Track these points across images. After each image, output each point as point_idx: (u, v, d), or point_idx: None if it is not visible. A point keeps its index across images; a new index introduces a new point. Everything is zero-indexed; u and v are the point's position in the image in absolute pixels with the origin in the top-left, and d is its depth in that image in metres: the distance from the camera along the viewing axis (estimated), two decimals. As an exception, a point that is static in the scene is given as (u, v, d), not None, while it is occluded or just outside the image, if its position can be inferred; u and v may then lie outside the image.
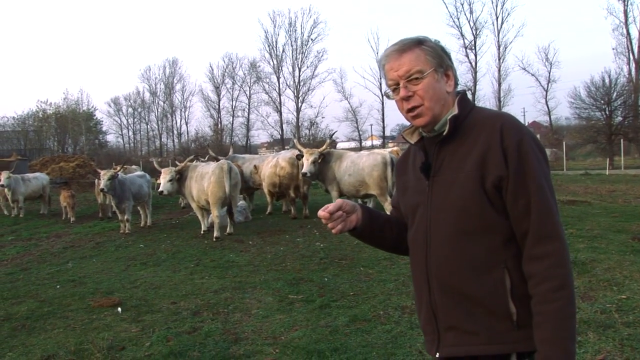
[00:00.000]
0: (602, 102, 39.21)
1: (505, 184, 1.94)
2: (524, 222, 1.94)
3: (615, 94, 39.20)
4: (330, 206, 2.17)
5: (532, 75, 58.25)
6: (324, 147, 13.84)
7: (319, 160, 13.38)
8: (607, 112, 38.92)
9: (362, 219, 2.26)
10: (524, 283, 1.95)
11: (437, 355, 2.10)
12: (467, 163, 1.99)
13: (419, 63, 2.03)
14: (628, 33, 50.31)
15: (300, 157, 13.60)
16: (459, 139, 2.04)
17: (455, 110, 2.06)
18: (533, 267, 1.92)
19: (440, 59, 2.07)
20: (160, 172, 13.36)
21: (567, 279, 1.90)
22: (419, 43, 2.07)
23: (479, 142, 1.98)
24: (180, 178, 13.06)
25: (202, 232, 12.96)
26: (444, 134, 2.05)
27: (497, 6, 55.94)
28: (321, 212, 2.15)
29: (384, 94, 2.18)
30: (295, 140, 15.60)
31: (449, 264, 2.03)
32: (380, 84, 58.77)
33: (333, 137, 18.56)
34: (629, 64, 50.27)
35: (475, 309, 1.99)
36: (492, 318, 1.97)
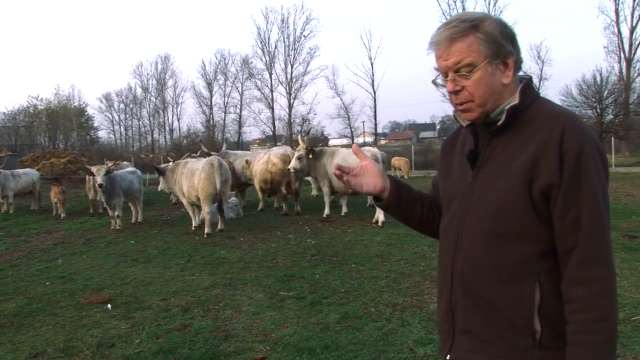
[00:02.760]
0: (594, 100, 39.27)
1: (555, 192, 1.75)
2: (570, 238, 1.74)
3: (606, 92, 39.25)
4: (359, 167, 2.11)
5: (524, 73, 58.03)
6: (305, 144, 13.98)
7: (307, 157, 13.60)
8: (599, 110, 38.98)
9: (390, 189, 2.12)
10: (555, 301, 1.78)
11: (448, 357, 1.98)
12: (518, 160, 1.80)
13: (471, 54, 1.80)
14: (619, 32, 50.43)
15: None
16: (514, 131, 1.85)
17: (515, 100, 1.85)
18: (575, 292, 1.73)
19: (497, 47, 1.82)
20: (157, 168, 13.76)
21: (613, 311, 1.72)
22: (474, 28, 1.81)
23: (535, 140, 1.78)
24: (164, 174, 13.51)
25: (193, 229, 12.95)
26: (499, 124, 1.86)
27: (489, 3, 55.68)
28: (336, 171, 2.10)
29: (432, 82, 1.96)
30: (299, 136, 15.57)
31: (477, 265, 1.87)
32: (373, 82, 58.86)
33: (325, 134, 18.62)
34: (620, 62, 50.40)
35: (496, 317, 1.84)
36: (512, 331, 1.81)
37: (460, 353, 1.94)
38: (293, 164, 13.81)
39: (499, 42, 1.82)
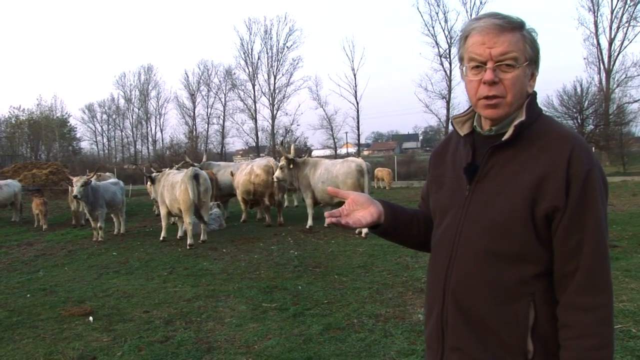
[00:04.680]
0: (574, 110, 39.64)
1: (559, 215, 1.72)
2: (571, 262, 1.73)
3: (586, 102, 39.64)
4: (347, 204, 2.02)
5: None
6: (290, 154, 14.11)
7: (289, 167, 13.84)
8: (579, 121, 39.35)
9: (385, 215, 2.05)
10: (549, 322, 1.76)
11: None
12: (521, 178, 1.76)
13: (518, 49, 1.77)
14: (598, 43, 50.95)
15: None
16: (518, 148, 1.81)
17: (522, 116, 1.81)
18: (575, 318, 1.71)
19: (535, 53, 1.82)
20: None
21: (611, 339, 1.71)
22: (521, 27, 1.80)
23: (541, 160, 1.75)
24: (153, 182, 13.79)
25: (161, 239, 13.18)
26: (504, 138, 1.81)
27: (471, 15, 56.18)
28: (328, 216, 2.00)
29: (460, 68, 1.88)
30: (281, 148, 15.68)
31: (472, 283, 1.83)
32: (356, 93, 58.98)
33: (308, 144, 18.78)
34: (599, 73, 50.89)
35: (489, 336, 1.80)
36: (504, 350, 1.78)
37: None
38: (277, 173, 13.98)
39: (538, 50, 1.84)
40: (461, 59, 1.87)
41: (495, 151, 1.84)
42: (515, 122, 1.80)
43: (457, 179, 1.95)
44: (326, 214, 2.02)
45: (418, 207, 2.30)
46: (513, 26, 1.78)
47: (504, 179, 1.80)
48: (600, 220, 1.72)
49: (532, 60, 1.81)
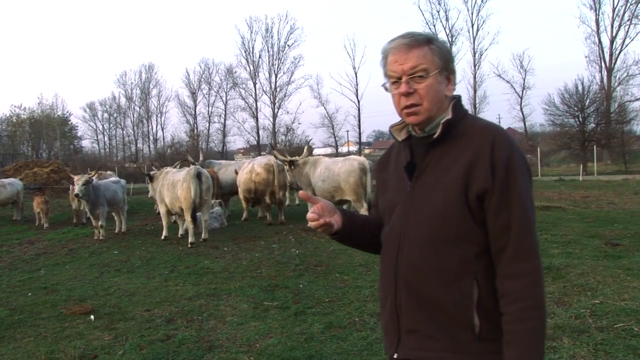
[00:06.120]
0: (576, 109, 39.67)
1: (488, 196, 1.93)
2: (502, 238, 1.93)
3: (588, 101, 39.69)
4: (315, 208, 2.22)
5: (507, 82, 58.46)
6: (302, 155, 14.28)
7: (291, 168, 14.08)
8: (581, 119, 39.38)
9: (342, 221, 2.26)
10: (491, 297, 1.95)
11: (396, 356, 2.10)
12: (453, 169, 1.98)
13: (426, 61, 2.00)
14: (600, 41, 51.04)
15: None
16: (448, 143, 2.03)
17: (449, 115, 2.04)
18: (508, 285, 1.91)
19: (446, 61, 2.05)
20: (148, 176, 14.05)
21: (542, 300, 1.92)
22: (428, 42, 2.03)
23: (468, 151, 1.97)
24: (152, 180, 13.84)
25: (163, 237, 13.17)
26: (435, 136, 2.03)
27: (472, 14, 56.28)
28: (310, 215, 2.20)
29: (382, 85, 2.13)
30: (275, 151, 15.75)
31: (419, 267, 2.01)
32: (357, 91, 59.01)
33: (309, 143, 18.80)
34: (601, 71, 50.99)
35: (439, 315, 1.98)
36: (454, 327, 1.96)
37: (407, 351, 2.06)
38: (288, 177, 14.45)
39: (447, 58, 2.06)
40: (385, 76, 2.11)
41: (429, 149, 2.06)
42: (442, 120, 2.03)
43: (399, 179, 2.15)
44: (309, 216, 2.21)
45: (370, 214, 2.56)
46: (420, 42, 2.02)
47: (440, 171, 2.01)
48: (523, 198, 1.93)
49: (443, 67, 2.04)
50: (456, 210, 1.95)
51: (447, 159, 2.01)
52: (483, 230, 1.96)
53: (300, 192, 2.35)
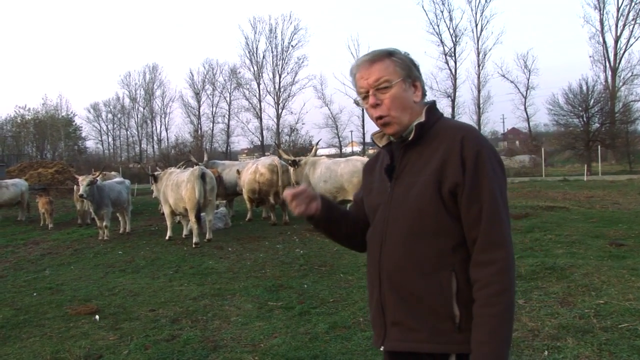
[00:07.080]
0: (580, 109, 39.62)
1: (460, 190, 2.03)
2: (474, 229, 2.03)
3: (592, 101, 39.63)
4: (296, 189, 2.35)
5: (511, 82, 58.37)
6: (310, 154, 14.28)
7: (293, 167, 14.16)
8: (585, 119, 39.34)
9: (322, 208, 2.39)
10: (469, 288, 2.03)
11: (382, 348, 2.22)
12: (427, 168, 2.10)
13: (388, 73, 2.14)
14: (604, 41, 50.97)
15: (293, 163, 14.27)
16: (423, 145, 2.15)
17: (422, 118, 2.17)
18: (478, 273, 2.01)
19: (408, 70, 2.18)
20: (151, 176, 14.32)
21: (509, 286, 1.99)
22: (389, 54, 2.18)
23: (440, 150, 2.08)
24: (155, 180, 13.96)
25: (167, 238, 13.19)
26: (409, 139, 2.16)
27: (476, 14, 56.19)
28: (286, 192, 2.34)
29: (355, 101, 2.31)
30: (280, 150, 15.81)
31: (400, 261, 2.12)
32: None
33: (312, 143, 18.92)
34: (605, 71, 50.91)
35: (420, 307, 2.08)
36: (435, 318, 2.06)
37: (393, 343, 2.18)
38: (292, 177, 14.41)
39: (410, 67, 2.19)
40: (357, 94, 2.27)
41: (406, 151, 2.20)
42: (415, 124, 2.16)
43: (382, 181, 2.29)
44: (286, 192, 2.38)
45: (349, 208, 2.69)
46: (381, 56, 2.17)
47: (416, 171, 2.14)
48: (493, 190, 2.03)
49: (406, 76, 2.17)
50: (432, 206, 2.06)
51: (422, 159, 2.14)
52: (458, 223, 2.07)
53: (285, 192, 2.44)
